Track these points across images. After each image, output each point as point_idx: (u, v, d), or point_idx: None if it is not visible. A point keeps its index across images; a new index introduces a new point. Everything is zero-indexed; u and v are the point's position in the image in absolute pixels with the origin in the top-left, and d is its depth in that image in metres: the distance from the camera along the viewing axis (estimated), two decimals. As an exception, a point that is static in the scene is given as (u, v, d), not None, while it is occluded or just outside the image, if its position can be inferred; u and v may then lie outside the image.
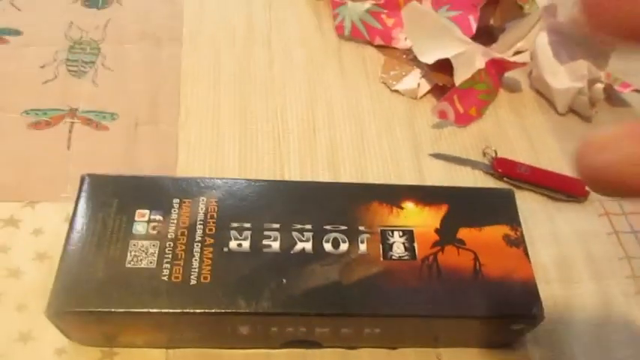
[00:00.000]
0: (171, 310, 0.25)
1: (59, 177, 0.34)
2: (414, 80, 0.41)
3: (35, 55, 0.40)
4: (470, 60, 0.39)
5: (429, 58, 0.40)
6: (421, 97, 0.41)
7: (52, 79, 0.39)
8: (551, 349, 0.32)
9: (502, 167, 0.37)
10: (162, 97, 0.39)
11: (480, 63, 0.40)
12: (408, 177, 0.37)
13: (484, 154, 0.39)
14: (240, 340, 0.28)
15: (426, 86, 0.41)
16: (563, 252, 0.35)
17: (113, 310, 0.25)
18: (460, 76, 0.39)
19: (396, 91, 0.41)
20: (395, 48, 0.44)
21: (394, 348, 0.31)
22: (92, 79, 0.39)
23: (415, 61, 0.42)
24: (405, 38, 0.43)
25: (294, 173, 0.37)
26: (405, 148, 0.39)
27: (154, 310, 0.25)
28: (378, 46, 0.44)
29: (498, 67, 0.41)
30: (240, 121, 0.39)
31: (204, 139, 0.38)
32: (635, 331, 0.33)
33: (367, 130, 0.39)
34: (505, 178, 0.37)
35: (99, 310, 0.25)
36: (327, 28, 0.45)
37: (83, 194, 0.28)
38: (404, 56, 0.43)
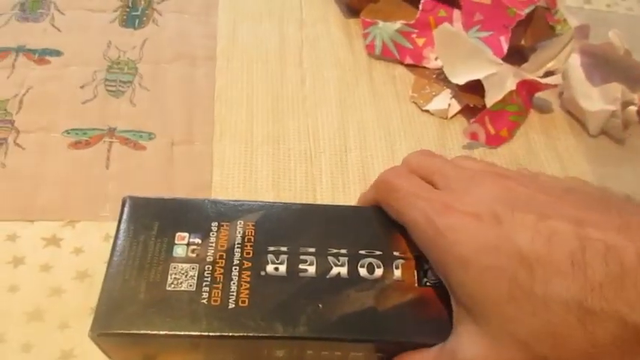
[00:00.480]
0: (210, 334, 0.26)
1: (98, 196, 0.35)
2: (444, 100, 0.42)
3: (75, 75, 0.41)
4: (501, 81, 0.39)
5: (460, 79, 0.40)
6: (451, 118, 0.42)
7: (91, 99, 0.40)
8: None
9: None
10: (197, 117, 0.40)
11: (511, 84, 0.40)
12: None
13: None
14: (275, 362, 0.28)
15: (456, 107, 0.41)
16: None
17: (154, 332, 0.25)
18: (491, 98, 0.39)
19: (427, 111, 0.42)
20: (425, 67, 0.44)
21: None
22: (130, 99, 0.40)
23: (445, 81, 0.42)
24: (436, 58, 0.44)
25: (326, 193, 0.37)
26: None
27: (194, 334, 0.26)
28: (409, 66, 0.45)
29: (530, 88, 0.41)
30: (273, 140, 0.40)
31: (238, 158, 0.39)
32: None
33: (398, 150, 0.40)
34: None
35: (141, 332, 0.25)
36: (357, 47, 0.45)
37: (125, 216, 0.28)
38: (434, 76, 0.43)
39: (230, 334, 0.26)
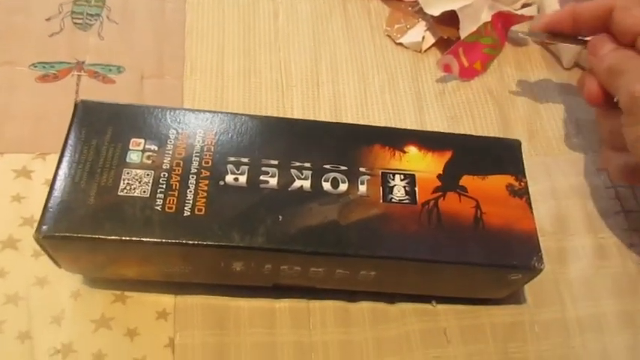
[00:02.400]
0: (164, 241, 0.25)
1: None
2: (418, 34, 0.40)
3: (40, 7, 0.39)
4: (476, 13, 0.39)
5: (435, 9, 0.39)
6: (425, 51, 0.41)
7: (58, 32, 0.39)
8: (544, 300, 0.32)
9: None
10: (167, 51, 0.39)
11: (487, 16, 0.39)
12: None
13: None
14: (233, 277, 0.27)
15: (430, 39, 0.40)
16: (560, 205, 0.35)
17: (104, 237, 0.24)
18: (466, 29, 0.39)
19: (401, 44, 0.41)
20: (401, 1, 0.43)
21: (392, 302, 0.31)
22: (98, 32, 0.39)
23: (420, 14, 0.41)
24: None
25: (295, 125, 0.36)
26: (408, 101, 0.38)
27: (146, 240, 0.24)
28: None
29: (505, 20, 0.40)
30: (244, 74, 0.38)
31: (209, 92, 0.37)
32: (624, 283, 0.33)
33: (370, 84, 0.39)
34: None
35: (89, 236, 0.24)
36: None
37: (76, 120, 0.27)
38: (409, 8, 0.42)
39: (184, 241, 0.25)
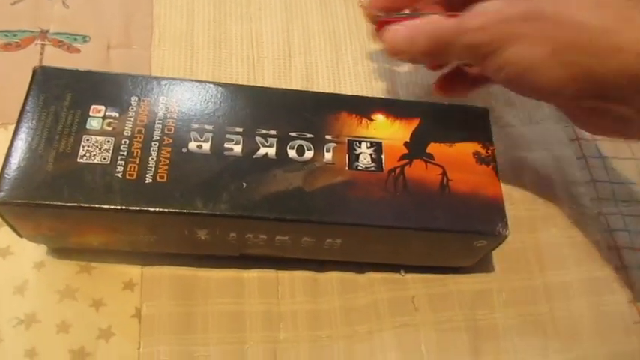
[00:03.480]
0: (124, 207, 0.24)
1: None
2: None
3: None
4: None
5: None
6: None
7: (21, 0, 0.37)
8: (512, 268, 0.32)
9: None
10: (134, 20, 0.38)
11: None
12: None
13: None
14: (199, 246, 0.27)
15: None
16: (531, 174, 0.36)
17: (62, 204, 0.24)
18: None
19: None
20: None
21: (361, 271, 0.31)
22: (62, 1, 0.38)
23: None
24: None
25: (265, 95, 0.36)
26: (381, 72, 0.38)
27: (106, 207, 0.24)
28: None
29: None
30: (214, 45, 0.38)
31: (177, 63, 0.37)
32: (591, 251, 0.34)
33: (343, 55, 0.38)
34: None
35: (47, 203, 0.24)
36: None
37: (34, 86, 0.26)
38: None
39: (145, 208, 0.24)
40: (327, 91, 0.36)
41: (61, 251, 0.29)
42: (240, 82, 0.36)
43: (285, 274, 0.30)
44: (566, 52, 0.24)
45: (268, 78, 0.37)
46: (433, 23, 0.28)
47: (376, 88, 0.37)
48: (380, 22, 0.31)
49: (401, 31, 0.29)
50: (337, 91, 0.37)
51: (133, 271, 0.29)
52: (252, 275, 0.30)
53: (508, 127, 0.37)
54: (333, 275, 0.31)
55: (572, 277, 0.32)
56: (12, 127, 0.32)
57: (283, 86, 0.37)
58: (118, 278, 0.29)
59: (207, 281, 0.30)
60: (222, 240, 0.27)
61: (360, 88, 0.37)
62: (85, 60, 0.35)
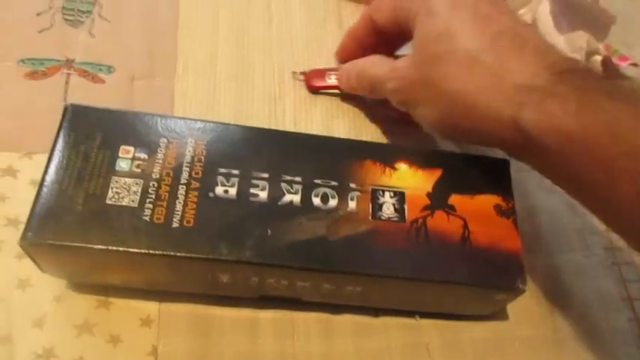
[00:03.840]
0: (151, 252, 0.24)
1: (56, 129, 0.33)
2: None
3: (30, 2, 0.38)
4: None
5: None
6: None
7: (48, 28, 0.38)
8: (526, 317, 0.32)
9: (314, 79, 0.38)
10: (159, 51, 0.38)
11: None
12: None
13: (293, 74, 0.39)
14: (218, 288, 0.27)
15: None
16: (543, 221, 0.36)
17: (90, 246, 0.24)
18: None
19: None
20: None
21: (376, 315, 0.31)
22: (89, 30, 0.38)
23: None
24: None
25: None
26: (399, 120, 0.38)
27: (133, 250, 0.24)
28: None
29: None
30: (237, 78, 0.38)
31: (200, 96, 0.37)
32: (606, 301, 0.34)
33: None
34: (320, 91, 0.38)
35: (75, 244, 0.24)
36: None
37: (65, 124, 0.26)
38: None
39: (172, 253, 0.25)
40: (348, 128, 0.37)
41: (80, 285, 0.29)
42: (261, 115, 0.37)
43: (300, 316, 0.31)
44: (449, 117, 0.28)
45: (289, 115, 0.37)
46: (370, 66, 0.33)
47: (395, 132, 0.38)
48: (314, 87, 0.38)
49: (346, 71, 0.35)
50: (357, 128, 0.37)
51: (151, 307, 0.29)
52: (268, 316, 0.30)
53: (522, 172, 0.37)
54: (348, 318, 0.31)
55: (585, 327, 0.33)
56: (37, 157, 0.32)
57: (304, 121, 0.37)
58: (135, 314, 0.29)
59: (224, 320, 0.30)
60: (243, 283, 0.27)
61: (379, 131, 0.37)
62: (109, 90, 0.36)
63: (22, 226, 0.30)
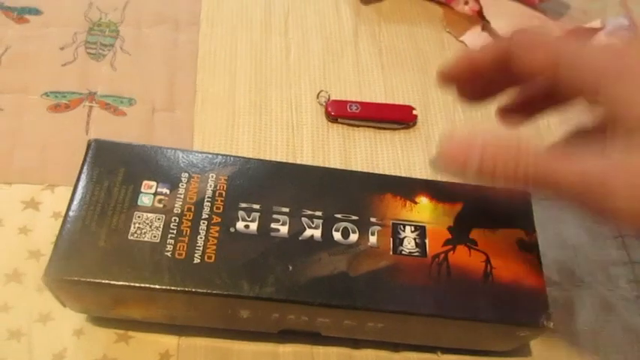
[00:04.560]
0: (172, 288, 0.24)
1: (78, 161, 0.33)
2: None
3: (55, 36, 0.39)
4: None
5: (506, 30, 0.42)
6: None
7: (71, 62, 0.39)
8: (550, 354, 0.32)
9: (334, 109, 0.38)
10: (178, 83, 0.39)
11: (557, 33, 0.41)
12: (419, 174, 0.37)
13: (318, 95, 0.39)
14: (238, 323, 0.27)
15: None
16: (567, 254, 0.35)
17: (112, 282, 0.24)
18: None
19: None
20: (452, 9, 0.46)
21: (397, 350, 0.30)
22: (110, 63, 0.39)
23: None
24: (466, 2, 0.45)
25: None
26: (418, 146, 0.38)
27: (155, 287, 0.24)
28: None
29: (576, 37, 0.41)
30: (255, 110, 0.39)
31: (219, 128, 0.37)
32: (631, 337, 0.33)
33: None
34: (339, 120, 0.38)
35: (97, 281, 0.24)
36: (344, 17, 0.44)
37: (89, 159, 0.27)
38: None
39: (193, 289, 0.24)
40: (365, 159, 0.37)
41: (99, 319, 0.29)
42: (280, 148, 0.37)
43: (320, 350, 0.30)
44: None
45: (307, 145, 0.37)
46: (559, 161, 0.23)
47: (412, 159, 0.38)
48: None
49: (489, 153, 0.23)
50: (374, 159, 0.37)
51: (170, 341, 0.29)
52: (288, 350, 0.30)
53: (543, 200, 0.37)
54: (369, 353, 0.30)
55: (609, 363, 0.32)
56: (58, 189, 0.33)
57: (321, 152, 0.37)
58: (154, 349, 0.29)
59: (243, 355, 0.29)
60: (264, 319, 0.27)
61: (395, 156, 0.37)
62: (130, 122, 0.36)
63: (43, 259, 0.30)
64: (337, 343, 0.30)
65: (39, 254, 0.31)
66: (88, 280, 0.24)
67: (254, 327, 0.28)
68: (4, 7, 0.40)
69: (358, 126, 0.39)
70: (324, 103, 0.39)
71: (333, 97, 0.39)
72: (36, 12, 0.40)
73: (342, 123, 0.39)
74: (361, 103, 0.39)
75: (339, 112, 0.38)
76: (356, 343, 0.30)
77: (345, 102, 0.39)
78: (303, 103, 0.39)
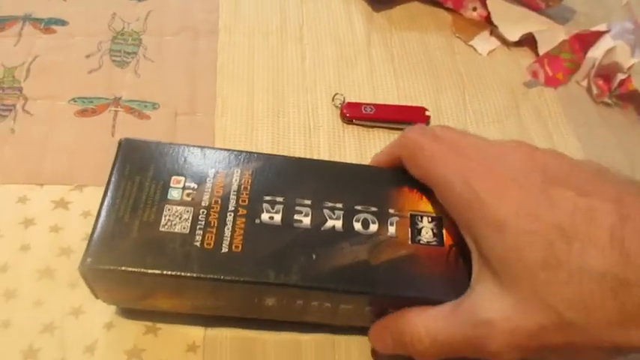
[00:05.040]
0: (202, 276, 0.25)
1: (105, 163, 0.34)
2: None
3: (80, 45, 0.42)
4: (553, 36, 0.45)
5: (514, 35, 0.45)
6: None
7: (96, 69, 0.40)
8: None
9: (349, 111, 0.40)
10: (199, 89, 0.41)
11: (563, 37, 0.45)
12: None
13: (333, 98, 0.41)
14: (263, 311, 0.28)
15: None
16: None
17: (145, 270, 0.25)
18: (543, 49, 0.45)
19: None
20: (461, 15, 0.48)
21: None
22: (134, 70, 0.41)
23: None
24: (474, 9, 0.47)
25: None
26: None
27: (186, 274, 0.25)
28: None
29: (582, 41, 0.44)
30: (273, 113, 0.40)
31: (239, 131, 0.39)
32: None
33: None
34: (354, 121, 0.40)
35: (131, 270, 0.25)
36: (357, 25, 0.46)
37: (121, 157, 0.28)
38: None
39: (222, 277, 0.26)
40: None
41: (129, 311, 0.30)
42: (297, 148, 0.38)
43: (341, 339, 0.31)
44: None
45: (324, 146, 0.39)
46: (427, 324, 0.26)
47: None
48: None
49: (380, 332, 0.29)
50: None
51: (197, 333, 0.30)
52: (309, 339, 0.31)
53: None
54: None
55: None
56: (87, 189, 0.34)
57: (337, 152, 0.38)
58: (182, 340, 0.30)
59: (266, 344, 0.30)
60: (288, 307, 0.28)
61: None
62: (154, 126, 0.38)
63: (74, 256, 0.31)
64: (358, 331, 0.31)
65: (70, 251, 0.32)
66: (122, 268, 0.25)
67: (278, 316, 0.29)
68: (31, 19, 0.42)
69: (373, 127, 0.40)
70: (339, 106, 0.40)
71: (347, 100, 0.41)
72: (62, 23, 0.43)
73: (357, 124, 0.40)
74: (375, 105, 0.40)
75: (354, 114, 0.40)
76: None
77: (360, 104, 0.40)
78: (319, 106, 0.41)
